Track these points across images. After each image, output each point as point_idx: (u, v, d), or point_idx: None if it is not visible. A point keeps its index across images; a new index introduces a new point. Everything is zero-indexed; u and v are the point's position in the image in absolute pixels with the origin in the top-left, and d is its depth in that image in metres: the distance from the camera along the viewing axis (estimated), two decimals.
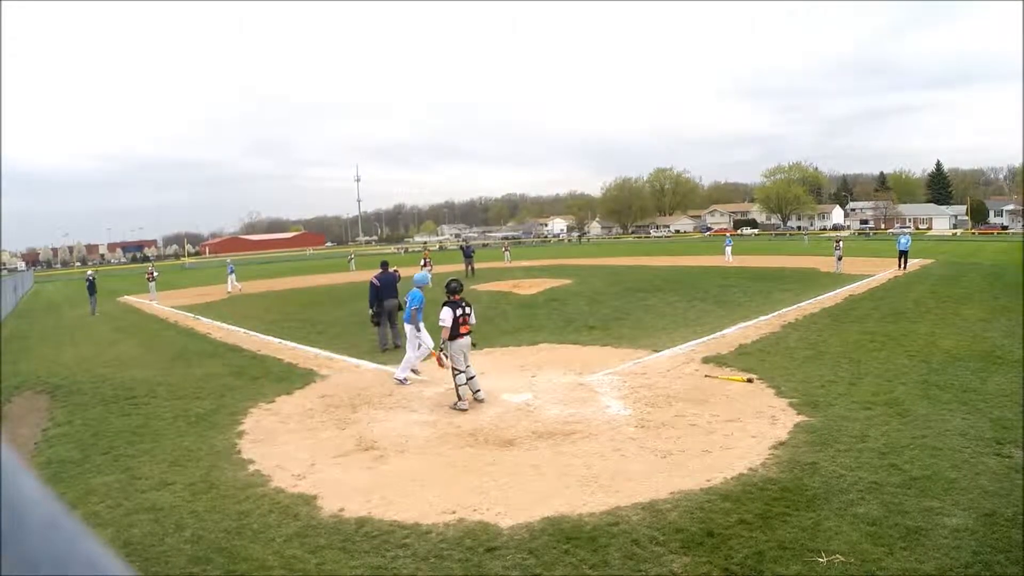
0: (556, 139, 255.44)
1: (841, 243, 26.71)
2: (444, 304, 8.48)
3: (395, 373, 9.91)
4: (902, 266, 25.00)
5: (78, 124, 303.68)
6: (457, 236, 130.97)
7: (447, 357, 8.45)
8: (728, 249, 34.66)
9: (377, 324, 12.72)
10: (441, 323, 8.33)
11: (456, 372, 8.35)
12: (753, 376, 9.12)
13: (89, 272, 26.65)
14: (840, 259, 25.72)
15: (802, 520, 4.79)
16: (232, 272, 30.31)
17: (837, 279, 22.52)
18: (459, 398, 8.31)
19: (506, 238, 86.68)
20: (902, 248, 25.26)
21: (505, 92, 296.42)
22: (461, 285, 8.80)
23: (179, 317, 21.00)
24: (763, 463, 5.94)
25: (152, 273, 30.10)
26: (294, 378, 10.57)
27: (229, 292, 29.01)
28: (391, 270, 13.25)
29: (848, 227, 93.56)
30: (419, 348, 9.80)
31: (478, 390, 8.54)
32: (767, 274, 25.68)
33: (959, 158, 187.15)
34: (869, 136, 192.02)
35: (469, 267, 31.34)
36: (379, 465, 6.48)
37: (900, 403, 7.58)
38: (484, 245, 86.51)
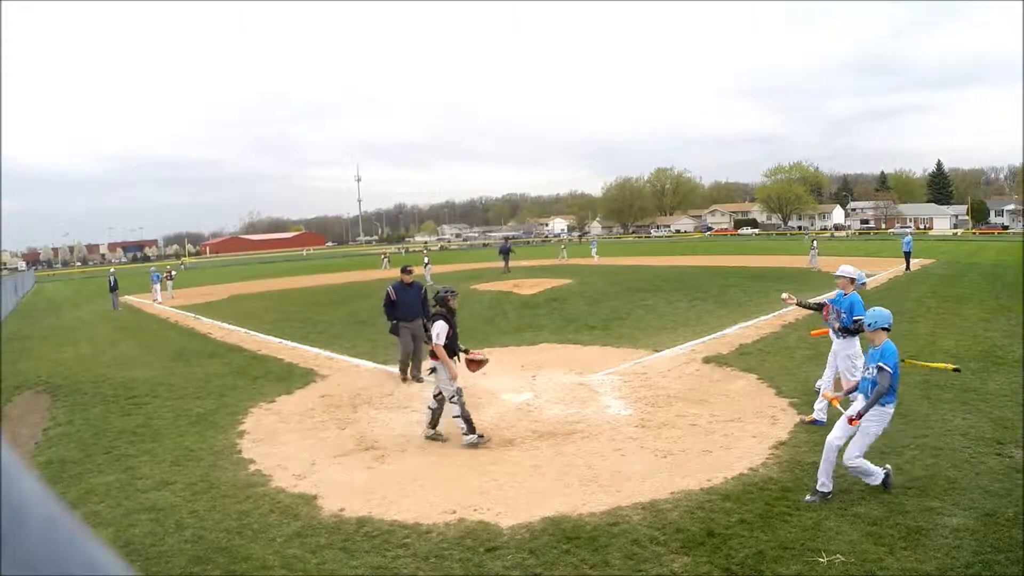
0: (556, 139, 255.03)
1: (816, 242, 29.29)
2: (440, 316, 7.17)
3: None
4: (908, 266, 25.18)
5: (78, 124, 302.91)
6: (458, 235, 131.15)
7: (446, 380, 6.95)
8: (593, 249, 41.12)
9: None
10: (437, 339, 6.95)
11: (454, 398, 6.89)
12: (959, 366, 7.22)
13: (111, 270, 30.97)
14: (815, 256, 27.57)
15: (803, 520, 4.79)
16: (158, 280, 27.37)
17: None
18: (474, 431, 6.87)
19: (562, 235, 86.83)
20: (906, 249, 25.53)
21: (505, 92, 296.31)
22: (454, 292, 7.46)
23: (179, 317, 21.02)
24: (764, 463, 5.95)
25: (171, 273, 31.14)
26: (294, 378, 10.57)
27: (159, 302, 25.96)
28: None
29: (849, 227, 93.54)
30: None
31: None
32: (767, 273, 25.67)
33: (959, 158, 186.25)
34: (870, 136, 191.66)
35: (506, 264, 32.10)
36: (379, 465, 6.49)
37: (900, 403, 7.52)
38: (484, 245, 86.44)
